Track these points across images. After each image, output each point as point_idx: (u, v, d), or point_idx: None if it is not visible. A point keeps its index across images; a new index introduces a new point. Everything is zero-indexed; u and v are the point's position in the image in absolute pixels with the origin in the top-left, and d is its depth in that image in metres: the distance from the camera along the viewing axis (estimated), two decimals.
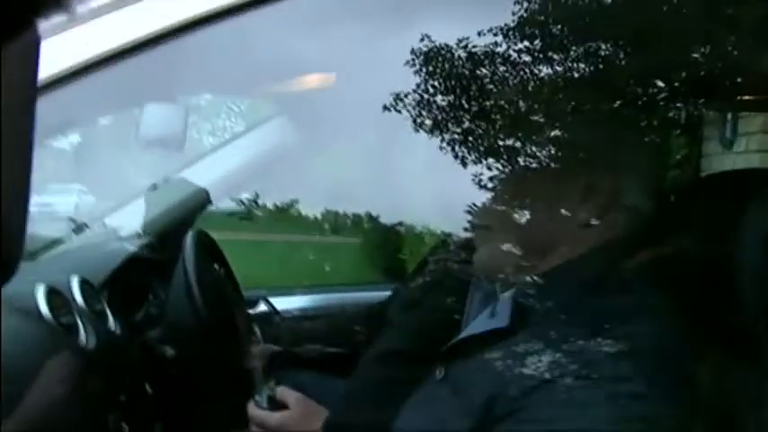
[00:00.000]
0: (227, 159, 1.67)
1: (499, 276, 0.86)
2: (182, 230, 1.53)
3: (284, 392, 1.26)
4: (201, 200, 1.64)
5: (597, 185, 0.81)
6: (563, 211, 0.81)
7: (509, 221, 0.82)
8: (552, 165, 0.82)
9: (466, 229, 0.90)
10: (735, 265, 0.72)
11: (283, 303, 1.95)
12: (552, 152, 0.82)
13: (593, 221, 0.80)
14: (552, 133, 0.85)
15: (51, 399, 0.91)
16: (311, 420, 1.23)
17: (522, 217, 0.81)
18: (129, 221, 1.65)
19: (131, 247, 1.45)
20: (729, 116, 2.98)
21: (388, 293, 1.60)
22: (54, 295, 1.05)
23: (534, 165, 0.82)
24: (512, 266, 0.82)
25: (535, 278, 0.80)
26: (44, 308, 1.01)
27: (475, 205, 0.86)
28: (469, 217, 0.87)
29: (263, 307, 1.88)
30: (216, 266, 1.61)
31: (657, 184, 0.87)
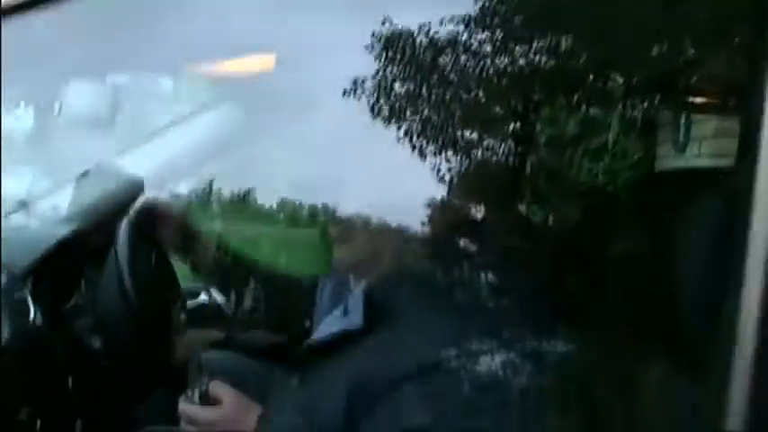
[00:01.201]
0: (169, 144, 1.62)
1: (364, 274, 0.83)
2: (117, 218, 1.47)
3: (217, 387, 1.22)
4: (137, 188, 1.58)
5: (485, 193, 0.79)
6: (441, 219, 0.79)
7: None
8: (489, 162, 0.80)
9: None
10: (675, 265, 0.71)
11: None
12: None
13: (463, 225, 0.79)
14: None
15: None
16: (244, 417, 1.19)
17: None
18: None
19: (62, 233, 1.38)
20: (683, 120, 3.01)
21: None
22: None
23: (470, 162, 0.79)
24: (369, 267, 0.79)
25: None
26: None
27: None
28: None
29: (203, 297, 1.83)
30: (152, 256, 1.56)
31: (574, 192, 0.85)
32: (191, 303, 1.77)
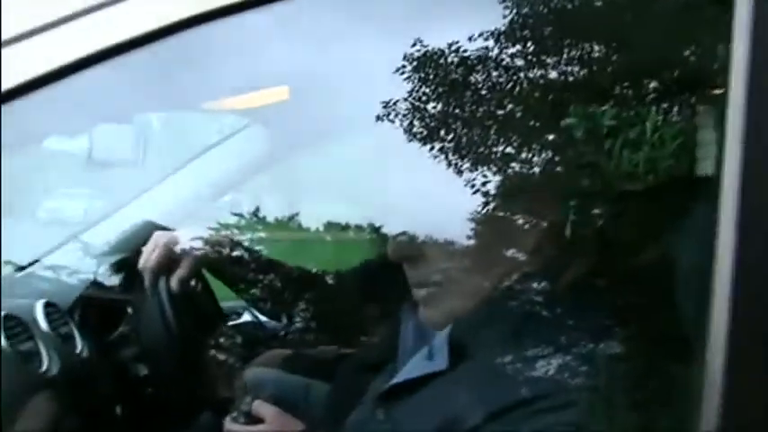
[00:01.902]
0: (198, 173, 1.66)
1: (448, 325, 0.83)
2: None
3: (260, 407, 1.25)
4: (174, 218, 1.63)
5: (542, 209, 0.78)
6: (512, 242, 0.78)
7: (464, 271, 0.79)
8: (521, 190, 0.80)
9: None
10: (674, 269, 0.71)
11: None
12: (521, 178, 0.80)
13: (539, 247, 0.78)
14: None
15: (7, 428, 0.90)
16: None
17: (478, 261, 0.79)
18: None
19: (105, 265, 1.43)
20: (723, 104, 2.93)
21: None
22: (12, 323, 1.04)
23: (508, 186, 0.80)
24: (461, 312, 0.79)
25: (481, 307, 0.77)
26: (1, 336, 1.00)
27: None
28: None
29: (247, 317, 1.86)
30: (192, 282, 1.59)
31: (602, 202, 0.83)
32: (233, 323, 1.80)
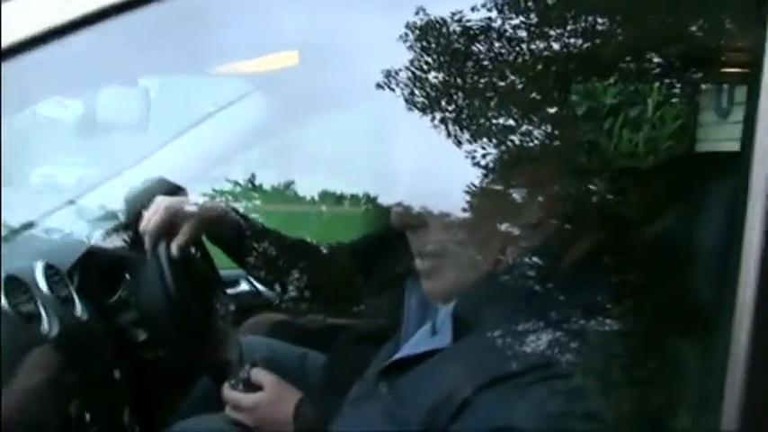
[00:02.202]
0: (201, 139, 1.64)
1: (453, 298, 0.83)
2: None
3: (259, 374, 1.26)
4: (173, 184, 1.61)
5: (544, 182, 0.78)
6: (515, 215, 0.78)
7: (467, 243, 0.79)
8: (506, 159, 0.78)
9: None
10: (692, 245, 0.70)
11: None
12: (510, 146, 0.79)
13: (540, 220, 0.77)
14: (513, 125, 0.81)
15: (6, 388, 0.90)
16: (285, 402, 1.22)
17: (481, 233, 0.78)
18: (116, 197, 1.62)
19: (104, 229, 1.42)
20: (725, 85, 2.92)
21: None
22: (13, 283, 1.04)
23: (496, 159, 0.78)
24: (464, 285, 0.79)
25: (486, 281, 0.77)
26: (1, 297, 0.99)
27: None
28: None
29: (244, 286, 1.87)
30: (192, 248, 1.59)
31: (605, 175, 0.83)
32: (231, 291, 1.80)
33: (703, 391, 0.69)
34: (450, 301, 0.83)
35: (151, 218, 1.30)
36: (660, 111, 3.36)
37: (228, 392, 1.25)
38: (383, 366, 0.81)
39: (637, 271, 0.78)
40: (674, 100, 3.44)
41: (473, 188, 0.80)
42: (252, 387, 1.24)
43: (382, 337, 1.24)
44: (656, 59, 1.21)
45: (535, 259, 0.77)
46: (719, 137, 3.46)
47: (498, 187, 0.80)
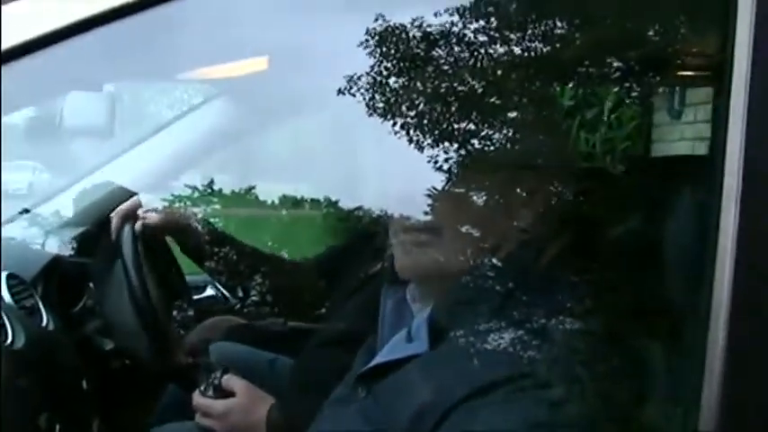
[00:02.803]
0: (165, 144, 1.63)
1: (430, 285, 0.83)
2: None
3: (230, 380, 1.24)
4: (141, 188, 1.60)
5: (531, 190, 0.79)
6: (509, 214, 0.79)
7: (450, 230, 0.80)
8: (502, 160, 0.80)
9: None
10: (663, 246, 0.72)
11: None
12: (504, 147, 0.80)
13: (528, 224, 0.79)
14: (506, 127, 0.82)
15: None
16: (257, 408, 1.22)
17: (465, 227, 0.79)
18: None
19: (67, 237, 1.40)
20: (677, 87, 3.01)
21: None
22: None
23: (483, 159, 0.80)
24: (450, 273, 0.80)
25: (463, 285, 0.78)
26: None
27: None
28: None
29: (210, 292, 1.85)
30: (156, 254, 1.57)
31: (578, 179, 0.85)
32: (198, 297, 1.79)
33: (681, 392, 0.71)
34: (420, 281, 0.84)
35: (118, 213, 1.29)
36: (616, 112, 3.44)
37: (199, 399, 1.24)
38: (361, 372, 0.82)
39: (611, 272, 0.80)
40: (628, 101, 3.53)
41: (442, 191, 0.81)
42: (223, 393, 1.23)
43: (352, 342, 1.24)
44: (614, 64, 1.25)
45: (509, 264, 0.78)
46: (673, 137, 3.56)
47: (471, 191, 0.81)
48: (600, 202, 0.86)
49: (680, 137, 3.38)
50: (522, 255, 0.79)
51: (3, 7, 0.74)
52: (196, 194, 1.75)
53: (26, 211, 1.48)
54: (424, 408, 0.68)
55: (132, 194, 1.44)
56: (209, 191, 1.83)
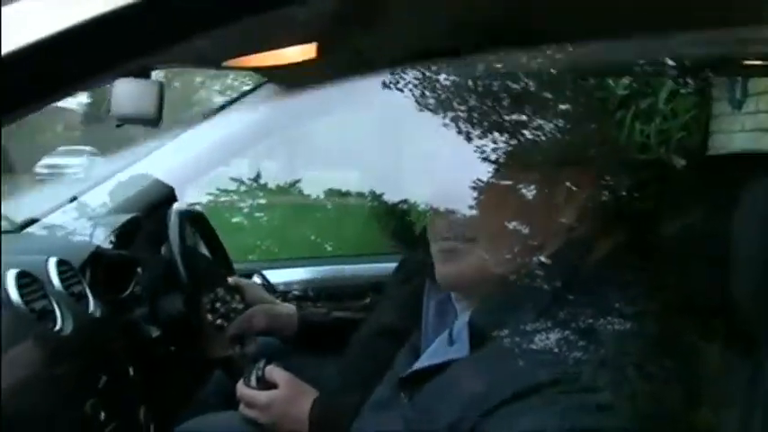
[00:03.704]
0: (213, 131, 1.62)
1: (470, 291, 0.80)
2: (168, 204, 1.49)
3: (273, 372, 1.24)
4: (190, 175, 1.60)
5: (578, 185, 0.75)
6: (550, 214, 0.75)
7: (496, 231, 0.76)
8: (540, 159, 0.76)
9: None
10: (728, 247, 0.68)
11: (280, 276, 1.92)
12: (542, 145, 0.76)
13: (574, 222, 0.75)
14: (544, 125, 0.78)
15: (19, 388, 0.88)
16: (300, 401, 1.21)
17: (509, 227, 0.76)
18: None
19: (116, 223, 1.40)
20: (739, 77, 2.88)
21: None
22: (26, 280, 1.02)
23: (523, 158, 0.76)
24: (491, 280, 0.77)
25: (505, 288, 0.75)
26: (14, 294, 0.97)
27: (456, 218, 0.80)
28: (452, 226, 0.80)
29: (256, 280, 1.85)
30: (203, 241, 1.58)
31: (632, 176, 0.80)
32: None
33: (737, 396, 0.67)
34: (460, 290, 0.81)
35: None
36: (672, 102, 3.33)
37: (242, 389, 1.23)
38: (402, 376, 0.80)
39: (665, 271, 0.76)
40: (684, 91, 3.41)
41: (490, 185, 0.78)
42: (266, 384, 1.23)
43: (401, 335, 1.22)
44: (668, 40, 1.19)
45: (556, 263, 0.75)
46: (732, 128, 3.44)
47: (520, 185, 0.77)
48: (654, 196, 0.82)
49: (740, 128, 3.25)
50: (568, 254, 0.75)
51: None
52: (237, 187, 1.75)
53: (74, 198, 1.50)
54: (464, 413, 0.65)
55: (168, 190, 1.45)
56: (251, 182, 1.83)
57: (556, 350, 0.66)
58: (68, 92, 0.62)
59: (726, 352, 0.73)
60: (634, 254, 0.80)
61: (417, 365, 0.77)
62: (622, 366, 0.65)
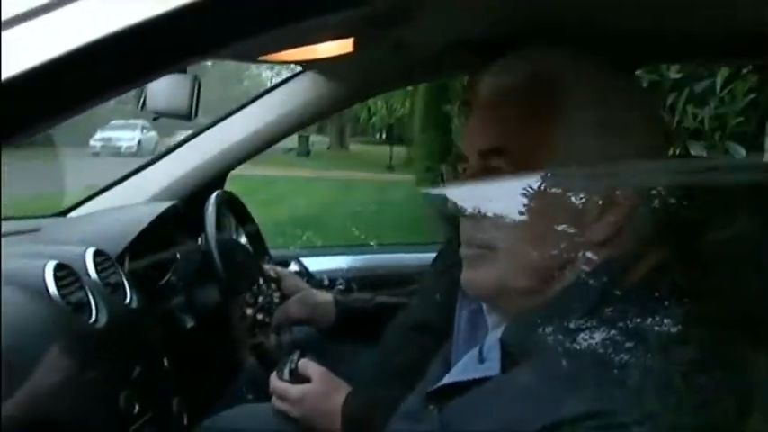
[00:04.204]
0: (248, 122, 1.62)
1: (497, 303, 0.77)
2: (205, 194, 1.49)
3: (307, 365, 1.24)
4: (229, 163, 1.60)
5: (614, 201, 0.71)
6: (579, 229, 0.71)
7: (519, 242, 0.73)
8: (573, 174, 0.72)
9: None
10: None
11: (319, 264, 1.92)
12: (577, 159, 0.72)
13: (607, 239, 0.71)
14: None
15: (54, 381, 0.89)
16: (333, 396, 1.20)
17: (537, 237, 0.72)
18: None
19: (153, 213, 1.41)
20: None
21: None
22: (63, 271, 1.03)
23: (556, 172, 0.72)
24: (515, 293, 0.73)
25: (536, 307, 0.72)
26: (51, 286, 0.99)
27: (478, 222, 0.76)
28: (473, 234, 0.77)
29: (294, 268, 1.85)
30: (241, 228, 1.58)
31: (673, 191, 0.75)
32: None
33: None
34: (484, 300, 0.78)
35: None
36: (730, 85, 3.19)
37: (275, 382, 1.23)
38: (431, 390, 0.77)
39: (713, 293, 0.72)
40: (744, 71, 3.26)
41: (517, 193, 0.74)
42: (300, 378, 1.22)
43: (436, 330, 1.20)
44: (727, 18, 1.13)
45: (589, 282, 0.71)
46: None
47: (549, 197, 0.73)
48: (701, 203, 0.77)
49: None
50: (602, 272, 0.71)
51: None
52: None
53: (113, 185, 1.51)
54: None
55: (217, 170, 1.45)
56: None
57: (591, 379, 0.63)
58: (113, 95, 0.61)
59: None
60: (679, 264, 0.76)
61: (446, 380, 0.75)
62: (667, 402, 0.61)
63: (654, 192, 0.72)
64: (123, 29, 0.52)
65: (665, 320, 0.67)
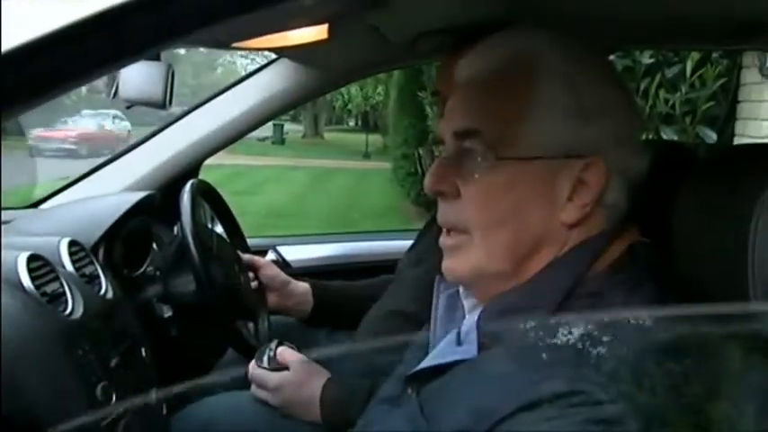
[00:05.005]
0: (224, 109, 1.60)
1: (474, 287, 0.78)
2: (182, 181, 1.47)
3: (285, 353, 1.24)
4: (204, 152, 1.59)
5: (585, 182, 0.72)
6: (551, 210, 0.72)
7: (493, 225, 0.73)
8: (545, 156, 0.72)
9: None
10: (743, 245, 0.64)
11: (295, 253, 1.91)
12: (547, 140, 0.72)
13: (578, 221, 0.72)
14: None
15: (30, 373, 0.88)
16: (311, 383, 1.21)
17: (510, 219, 0.72)
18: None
19: (128, 202, 1.39)
20: None
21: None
22: (37, 262, 1.01)
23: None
24: (491, 276, 0.74)
25: (512, 290, 0.72)
26: (25, 277, 0.97)
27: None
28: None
29: (271, 257, 1.84)
30: (217, 218, 1.57)
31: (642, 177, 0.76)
32: None
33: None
34: (463, 284, 0.79)
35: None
36: (700, 70, 3.23)
37: (254, 370, 1.23)
38: (408, 374, 0.78)
39: (689, 270, 0.73)
40: (714, 56, 3.31)
41: (485, 175, 0.74)
42: (278, 366, 1.22)
43: (412, 317, 1.20)
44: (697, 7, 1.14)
45: (563, 265, 0.72)
46: (762, 98, 3.33)
47: (518, 178, 0.73)
48: (676, 184, 0.78)
49: None
50: (579, 253, 0.72)
51: None
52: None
53: (86, 175, 1.49)
54: (474, 422, 0.63)
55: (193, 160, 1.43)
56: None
57: (565, 360, 0.63)
58: (82, 82, 0.60)
59: (746, 351, 0.70)
60: (653, 243, 0.77)
61: (424, 363, 0.76)
62: (641, 379, 0.62)
63: (625, 171, 0.74)
64: (95, 13, 0.51)
65: (640, 302, 0.68)
